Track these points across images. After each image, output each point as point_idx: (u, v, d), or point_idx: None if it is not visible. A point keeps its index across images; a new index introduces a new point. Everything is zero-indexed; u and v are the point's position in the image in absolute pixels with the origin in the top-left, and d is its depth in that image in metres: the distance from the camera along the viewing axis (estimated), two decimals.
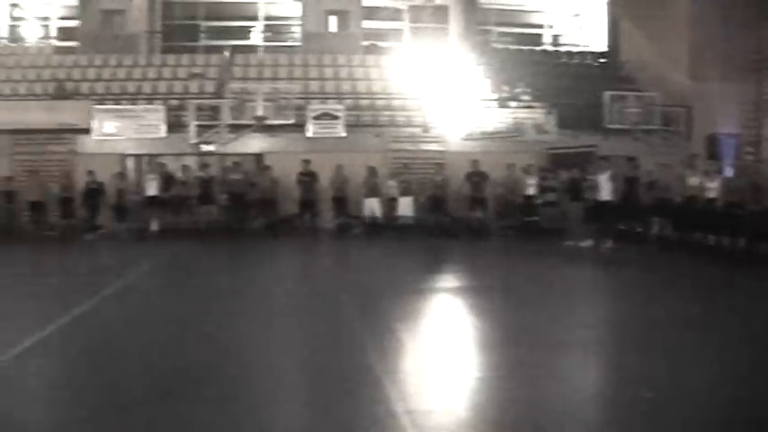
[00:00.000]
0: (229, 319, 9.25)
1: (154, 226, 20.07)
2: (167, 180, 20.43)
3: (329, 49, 26.29)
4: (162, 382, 6.45)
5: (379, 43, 28.95)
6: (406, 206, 20.30)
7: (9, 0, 30.80)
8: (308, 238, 19.64)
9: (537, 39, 31.53)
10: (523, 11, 31.87)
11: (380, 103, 23.69)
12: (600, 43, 30.66)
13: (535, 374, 6.74)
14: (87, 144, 21.49)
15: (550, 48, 31.20)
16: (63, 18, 30.28)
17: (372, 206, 20.06)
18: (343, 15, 28.02)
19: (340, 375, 6.66)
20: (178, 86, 23.90)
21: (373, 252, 18.09)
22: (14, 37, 30.45)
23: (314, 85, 24.26)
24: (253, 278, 13.20)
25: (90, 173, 20.05)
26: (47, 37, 30.12)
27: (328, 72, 25.38)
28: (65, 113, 21.80)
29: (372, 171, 20.28)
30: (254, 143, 21.27)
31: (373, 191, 20.18)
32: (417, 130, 22.33)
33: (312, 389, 6.48)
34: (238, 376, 6.71)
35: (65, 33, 29.37)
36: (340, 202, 20.33)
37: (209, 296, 11.12)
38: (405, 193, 20.39)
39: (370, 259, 17.02)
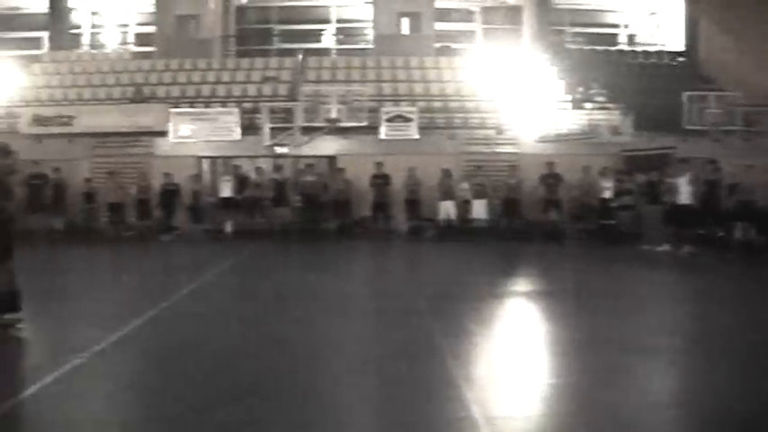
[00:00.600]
0: (304, 322, 9.11)
1: (228, 227, 20.28)
2: (242, 182, 20.62)
3: (401, 51, 26.20)
4: (237, 385, 6.33)
5: (452, 45, 28.76)
6: (479, 209, 20.05)
7: (90, 9, 31.70)
8: (380, 240, 19.55)
9: (612, 39, 30.90)
10: (598, 10, 31.27)
11: (453, 105, 23.49)
12: (677, 42, 29.81)
13: (615, 380, 6.43)
14: (164, 146, 21.86)
15: (626, 47, 30.52)
16: (140, 24, 31.05)
17: (447, 209, 19.85)
18: (415, 17, 27.91)
19: (416, 380, 6.45)
20: (252, 89, 24.14)
21: (447, 255, 17.84)
22: (95, 44, 31.32)
23: (386, 88, 24.20)
24: (327, 281, 13.08)
25: (166, 175, 20.38)
26: (125, 43, 30.93)
27: (401, 74, 25.29)
28: (142, 117, 22.28)
29: (447, 173, 20.08)
30: (327, 145, 21.28)
31: (448, 193, 19.95)
32: (491, 132, 22.03)
33: (388, 394, 6.27)
34: (313, 380, 6.56)
35: (142, 39, 30.11)
36: (412, 204, 20.19)
37: (283, 298, 11.00)
38: (478, 195, 20.12)
39: (445, 262, 16.77)
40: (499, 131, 21.94)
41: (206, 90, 24.26)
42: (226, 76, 25.16)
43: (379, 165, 20.14)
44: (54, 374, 6.50)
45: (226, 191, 20.43)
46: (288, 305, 10.32)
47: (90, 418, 5.67)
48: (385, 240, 19.55)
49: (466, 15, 29.91)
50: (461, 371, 6.69)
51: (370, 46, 28.61)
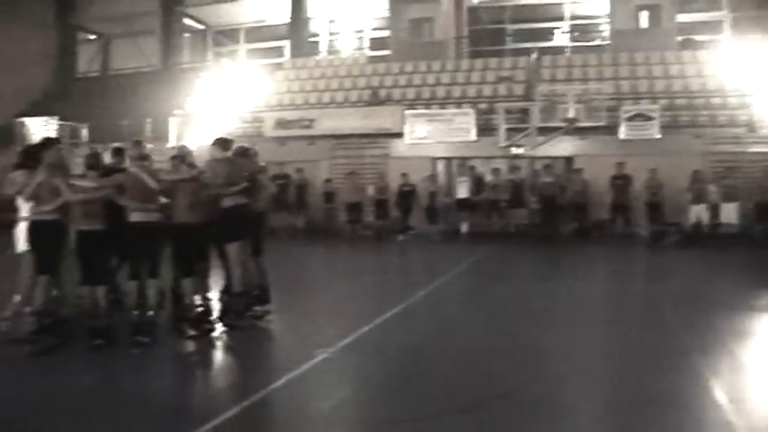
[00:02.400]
0: (543, 328, 8.86)
1: (464, 228, 20.34)
2: (477, 183, 20.61)
3: (640, 47, 24.96)
4: (472, 391, 6.24)
5: (696, 37, 26.99)
6: (729, 213, 18.67)
7: (328, 17, 33.14)
8: (619, 244, 18.73)
9: None
10: None
11: (699, 101, 22.07)
12: None
13: None
14: (400, 148, 22.34)
15: None
16: (375, 29, 32.01)
17: (699, 213, 18.61)
18: (654, 10, 26.47)
19: (669, 392, 6.02)
20: (486, 90, 24.06)
21: (693, 262, 16.66)
22: (332, 50, 32.71)
23: (625, 85, 23.18)
24: (565, 285, 12.67)
25: (403, 175, 20.78)
26: (361, 48, 32.02)
27: (641, 71, 24.11)
28: (379, 119, 22.90)
29: (699, 175, 18.81)
30: (564, 146, 20.72)
31: (700, 196, 18.66)
32: (741, 131, 20.50)
33: (637, 406, 5.86)
34: (554, 389, 6.31)
35: (377, 43, 31.03)
36: (654, 207, 19.14)
37: (520, 302, 10.78)
38: (728, 198, 18.74)
39: (692, 269, 15.63)
40: (751, 129, 20.36)
41: (441, 91, 24.50)
42: (460, 78, 25.28)
43: (619, 165, 19.37)
44: (302, 368, 6.81)
45: (462, 192, 20.54)
46: (523, 310, 10.07)
47: (335, 414, 5.81)
48: (624, 245, 18.68)
49: (711, 4, 27.96)
50: (720, 385, 6.22)
51: (607, 42, 27.54)
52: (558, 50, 27.79)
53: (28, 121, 26.14)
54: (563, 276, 14.00)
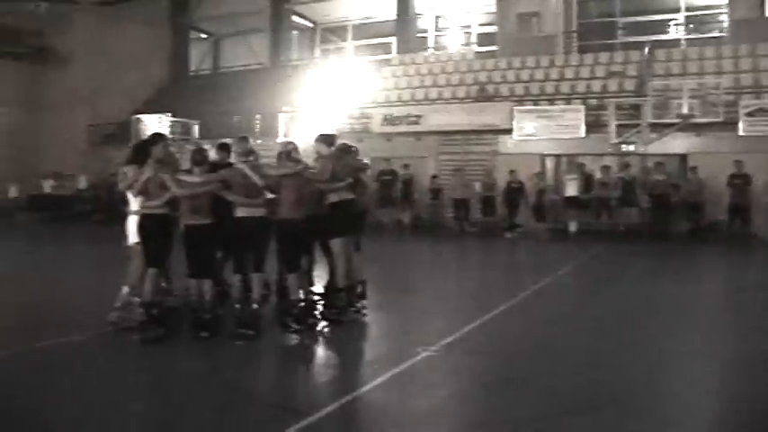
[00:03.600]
0: (653, 331, 8.51)
1: (572, 227, 19.93)
2: (587, 181, 20.11)
3: (763, 37, 23.74)
4: (576, 394, 6.06)
5: None
6: None
7: (435, 13, 33.08)
8: (737, 246, 17.90)
9: None
10: None
11: None
12: None
13: None
14: (507, 144, 22.08)
15: None
16: (483, 24, 31.74)
17: None
18: None
19: None
20: (596, 85, 23.45)
21: None
22: (439, 46, 32.64)
23: (746, 79, 22.08)
24: (678, 287, 12.18)
25: (511, 172, 20.53)
26: (468, 43, 31.83)
27: (763, 62, 22.89)
28: (486, 115, 22.69)
29: None
30: (678, 143, 19.95)
31: None
32: None
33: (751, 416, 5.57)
34: (663, 397, 6.01)
35: (485, 39, 30.79)
36: None
37: (629, 303, 10.41)
38: None
39: None
40: None
41: (549, 87, 24.04)
42: (569, 73, 24.74)
43: (738, 163, 18.51)
44: (403, 365, 6.79)
45: (570, 189, 20.07)
46: (633, 312, 9.73)
47: (435, 412, 5.73)
48: (742, 248, 17.83)
49: None
50: None
51: (725, 34, 26.36)
52: (672, 43, 26.73)
53: (143, 117, 27.11)
54: (675, 278, 13.44)
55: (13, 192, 28.83)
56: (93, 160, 30.56)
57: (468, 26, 32.64)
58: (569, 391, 6.11)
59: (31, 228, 26.04)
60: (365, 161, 9.79)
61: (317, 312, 8.54)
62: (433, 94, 25.68)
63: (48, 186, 28.70)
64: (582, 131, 21.03)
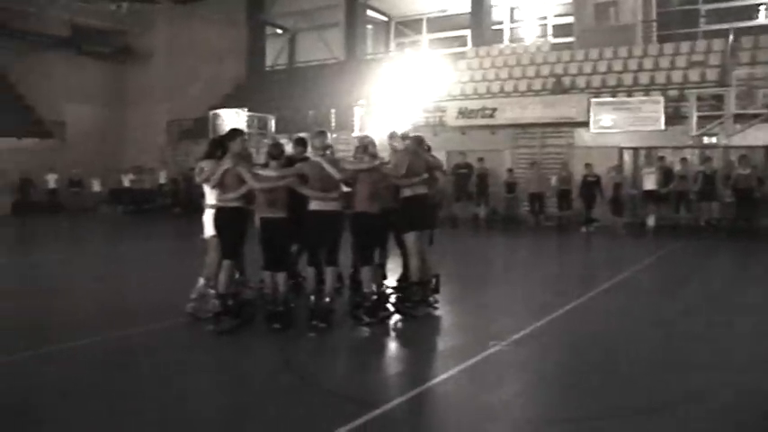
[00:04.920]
0: (734, 332, 8.21)
1: (650, 221, 19.45)
2: (666, 174, 19.58)
3: None
4: (649, 392, 5.90)
5: None
6: None
7: (510, 4, 32.73)
8: None
9: None
10: None
11: None
12: None
13: None
14: (584, 137, 21.71)
15: None
16: (558, 15, 31.25)
17: None
18: None
19: None
20: (677, 76, 22.78)
21: None
22: (515, 38, 32.30)
23: None
24: (762, 285, 11.75)
25: (587, 166, 20.16)
26: (544, 35, 31.41)
27: None
28: (562, 108, 22.33)
29: None
30: (763, 135, 19.16)
31: None
32: None
33: None
34: (744, 398, 5.80)
35: (561, 30, 30.38)
36: None
37: (709, 302, 10.08)
38: None
39: None
40: None
41: (627, 78, 23.49)
42: (648, 63, 24.11)
43: None
44: (473, 359, 6.74)
45: (649, 183, 19.59)
46: (713, 311, 9.42)
47: (505, 408, 5.66)
48: None
49: None
50: None
51: None
52: (758, 30, 25.69)
53: (221, 113, 27.60)
54: (759, 276, 12.99)
55: (95, 186, 29.77)
56: (173, 155, 31.38)
57: (544, 17, 32.19)
58: (642, 390, 5.97)
59: (112, 221, 26.85)
60: (440, 159, 9.73)
61: (389, 306, 8.56)
62: (509, 86, 25.43)
63: (127, 181, 29.55)
64: (661, 123, 20.44)
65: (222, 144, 8.18)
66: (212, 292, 8.12)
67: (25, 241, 21.04)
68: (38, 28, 31.09)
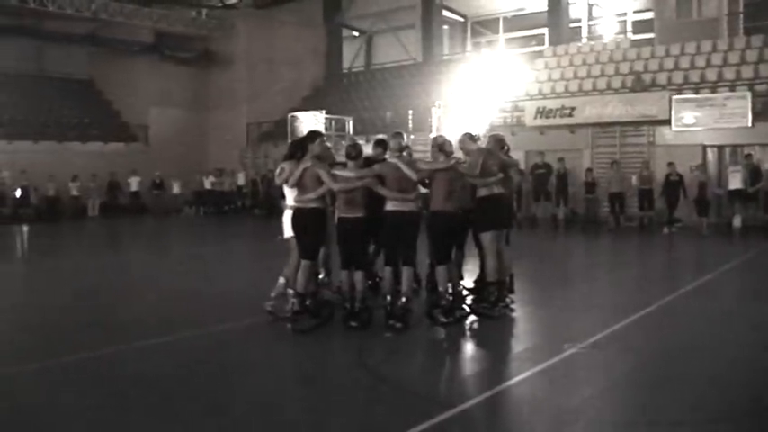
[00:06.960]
0: None
1: (737, 222, 18.82)
2: (753, 172, 18.90)
3: None
4: (729, 400, 5.71)
5: None
6: None
7: (588, 1, 32.19)
8: None
9: None
10: None
11: None
12: None
13: None
14: (666, 135, 21.21)
15: None
16: (638, 11, 30.58)
17: None
18: None
19: None
20: (765, 70, 21.95)
21: None
22: (593, 35, 31.74)
23: None
24: None
25: (670, 165, 19.63)
26: (623, 31, 30.77)
27: None
28: (643, 105, 21.87)
29: None
30: None
31: None
32: None
33: None
34: None
35: (641, 26, 29.71)
36: None
37: None
38: None
39: None
40: None
41: (711, 74, 22.77)
42: (734, 57, 23.28)
43: None
44: (549, 361, 6.68)
45: (735, 182, 18.96)
46: None
47: (580, 411, 5.56)
48: None
49: None
50: None
51: None
52: None
53: (299, 115, 27.94)
54: None
55: (175, 188, 30.51)
56: (252, 157, 31.97)
57: (624, 13, 31.49)
58: (719, 396, 5.80)
59: (195, 222, 27.50)
60: (515, 159, 9.67)
61: (465, 306, 8.53)
62: (588, 85, 24.97)
63: (209, 183, 30.21)
64: (748, 120, 19.78)
65: (303, 146, 8.28)
66: (291, 291, 8.23)
67: (114, 242, 21.84)
68: (123, 35, 32.15)
